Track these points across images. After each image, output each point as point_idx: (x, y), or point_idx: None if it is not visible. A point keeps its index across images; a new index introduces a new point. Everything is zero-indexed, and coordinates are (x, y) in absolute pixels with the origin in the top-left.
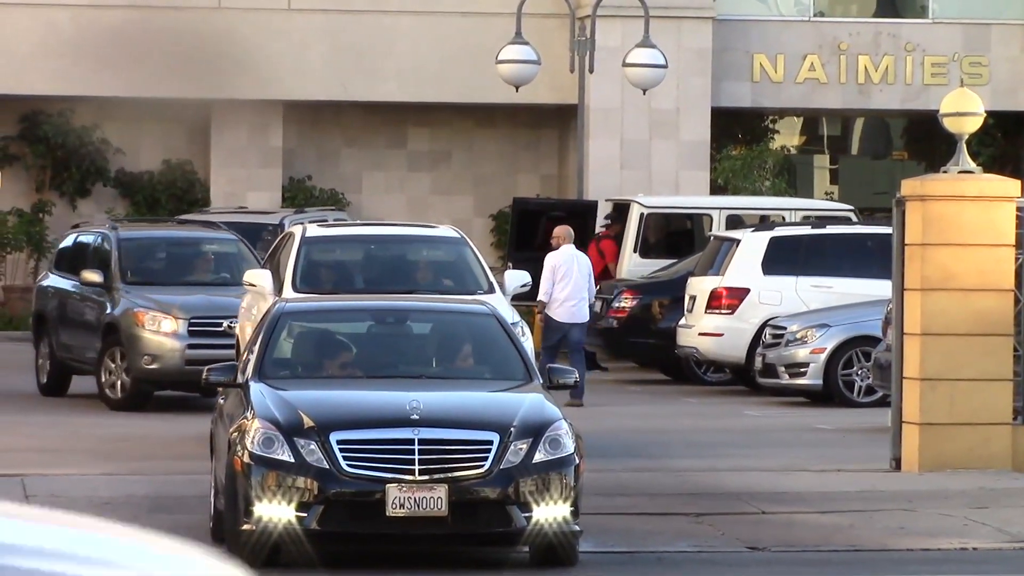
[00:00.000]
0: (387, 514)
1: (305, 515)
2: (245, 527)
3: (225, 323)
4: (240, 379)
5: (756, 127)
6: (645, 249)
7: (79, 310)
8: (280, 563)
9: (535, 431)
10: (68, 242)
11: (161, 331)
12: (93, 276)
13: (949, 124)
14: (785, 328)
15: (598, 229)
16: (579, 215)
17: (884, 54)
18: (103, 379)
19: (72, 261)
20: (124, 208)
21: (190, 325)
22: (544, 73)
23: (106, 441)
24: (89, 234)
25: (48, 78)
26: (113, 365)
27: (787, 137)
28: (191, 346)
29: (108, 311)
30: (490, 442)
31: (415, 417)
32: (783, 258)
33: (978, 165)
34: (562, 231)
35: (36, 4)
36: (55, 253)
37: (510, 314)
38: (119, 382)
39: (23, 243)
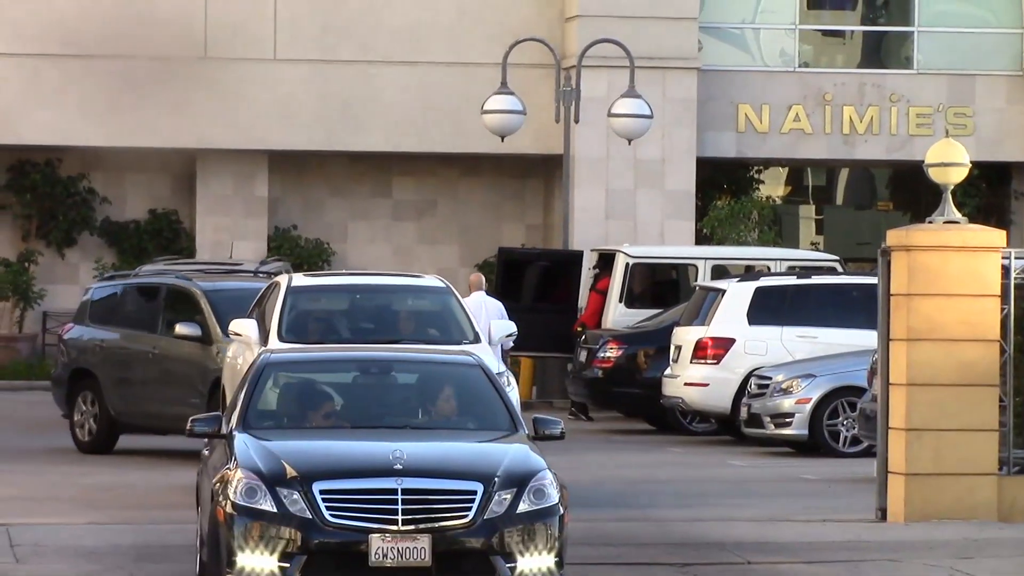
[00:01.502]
0: (370, 564)
1: (288, 565)
2: None
3: None
4: (224, 429)
5: (741, 177)
6: (630, 299)
7: (160, 366)
8: None
9: (519, 481)
10: (106, 292)
11: None
12: (189, 330)
13: (934, 175)
14: (770, 378)
15: (586, 278)
16: (565, 265)
17: (869, 105)
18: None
19: (124, 313)
20: (111, 257)
21: None
22: (529, 123)
23: (91, 490)
24: (145, 286)
25: (34, 128)
26: None
27: (772, 187)
28: None
29: (216, 366)
30: (474, 492)
31: (398, 467)
32: (768, 308)
33: (963, 216)
34: (474, 278)
35: (22, 54)
36: (87, 304)
37: (495, 364)
38: None
39: (8, 292)
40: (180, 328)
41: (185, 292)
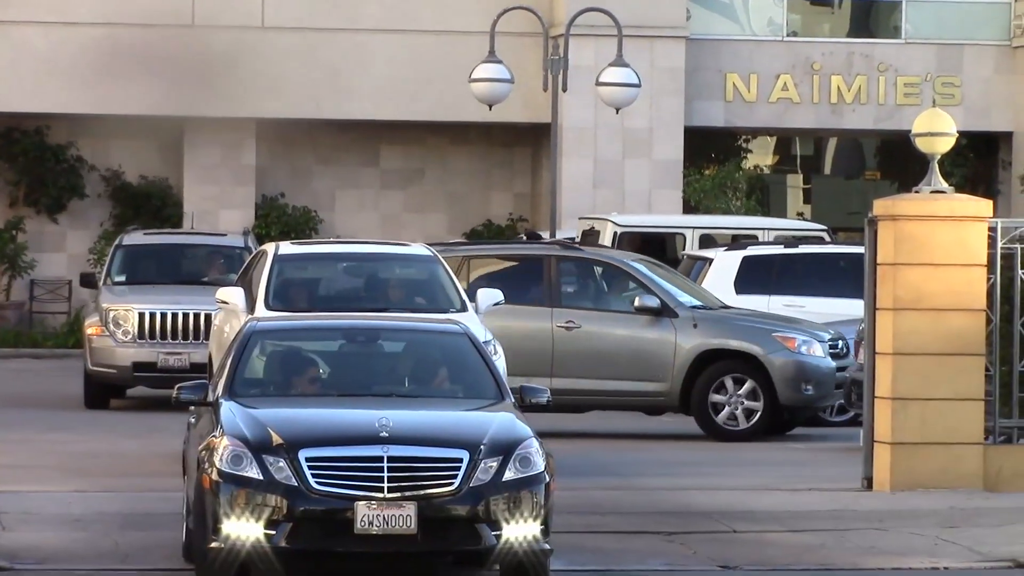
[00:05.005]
0: (356, 531)
1: (274, 533)
2: (213, 545)
3: None
4: (210, 397)
5: (729, 146)
6: None
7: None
8: None
9: (505, 449)
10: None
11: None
12: (649, 303)
13: (921, 144)
14: None
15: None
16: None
17: (857, 74)
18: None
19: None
20: (108, 224)
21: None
22: (517, 92)
23: (79, 459)
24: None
25: (21, 96)
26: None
27: (760, 156)
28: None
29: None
30: (460, 460)
31: (384, 435)
32: (756, 277)
33: (950, 185)
34: None
35: (7, 22)
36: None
37: (482, 332)
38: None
39: None
40: (640, 301)
41: (612, 265)
